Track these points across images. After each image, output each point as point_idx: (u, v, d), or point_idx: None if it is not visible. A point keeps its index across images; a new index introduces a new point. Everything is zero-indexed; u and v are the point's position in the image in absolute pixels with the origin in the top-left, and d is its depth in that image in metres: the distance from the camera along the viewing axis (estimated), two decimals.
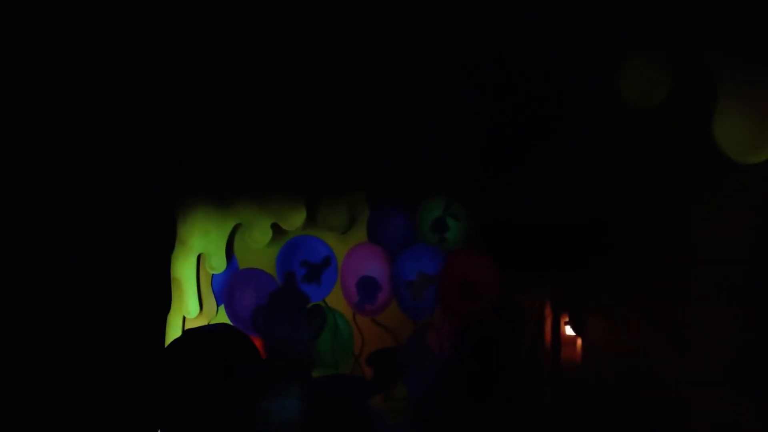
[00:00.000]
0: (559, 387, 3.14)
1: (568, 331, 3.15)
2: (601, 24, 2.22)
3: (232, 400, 1.37)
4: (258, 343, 3.15)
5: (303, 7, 2.39)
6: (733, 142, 2.15)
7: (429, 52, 2.35)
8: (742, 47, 2.09)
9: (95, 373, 2.60)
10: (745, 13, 2.06)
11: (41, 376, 2.52)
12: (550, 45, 2.28)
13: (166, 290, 3.09)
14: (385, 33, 2.35)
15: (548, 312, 3.18)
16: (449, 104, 2.57)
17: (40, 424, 2.49)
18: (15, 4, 2.48)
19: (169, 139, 2.88)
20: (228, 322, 3.32)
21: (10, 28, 2.51)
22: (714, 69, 2.11)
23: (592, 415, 2.94)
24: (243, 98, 2.94)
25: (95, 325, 2.63)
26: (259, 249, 3.41)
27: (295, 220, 3.34)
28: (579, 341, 3.14)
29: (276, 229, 3.37)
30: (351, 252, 3.38)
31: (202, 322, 3.32)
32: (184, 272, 3.28)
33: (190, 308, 3.28)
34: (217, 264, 3.32)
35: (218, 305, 3.43)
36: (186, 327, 3.27)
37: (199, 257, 3.32)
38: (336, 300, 3.39)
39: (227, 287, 3.37)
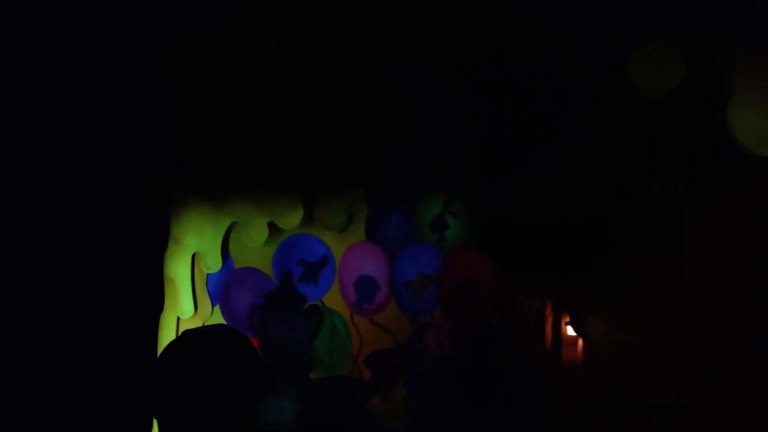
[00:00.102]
0: (560, 387, 3.23)
1: (569, 331, 3.25)
2: (601, 23, 2.30)
3: (232, 400, 1.40)
4: (255, 343, 3.21)
5: (302, 4, 2.46)
6: (749, 133, 2.17)
7: (429, 52, 2.43)
8: (757, 33, 2.12)
9: (84, 374, 2.62)
10: None
11: (30, 376, 2.55)
12: (550, 45, 2.36)
13: (158, 290, 3.10)
14: (385, 33, 2.42)
15: (549, 312, 3.27)
16: (449, 104, 2.64)
17: (31, 423, 2.53)
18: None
19: (164, 136, 2.91)
20: (223, 322, 3.37)
21: (3, 23, 2.56)
22: (729, 55, 2.14)
23: (593, 415, 3.04)
24: (239, 94, 2.98)
25: (84, 324, 2.66)
26: (256, 248, 3.45)
27: (292, 219, 3.38)
28: (580, 341, 3.23)
29: (272, 227, 3.41)
30: (349, 251, 3.44)
31: (197, 322, 3.36)
32: (179, 272, 3.32)
33: (184, 308, 3.33)
34: (213, 263, 3.36)
35: (213, 305, 3.47)
36: (180, 328, 3.32)
37: (193, 256, 3.36)
38: (333, 300, 3.45)
39: (223, 287, 3.42)
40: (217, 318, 3.47)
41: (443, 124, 2.71)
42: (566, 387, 3.23)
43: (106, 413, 2.66)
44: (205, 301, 3.44)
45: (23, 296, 2.60)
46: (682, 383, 2.65)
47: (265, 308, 3.32)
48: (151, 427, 2.85)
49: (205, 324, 3.36)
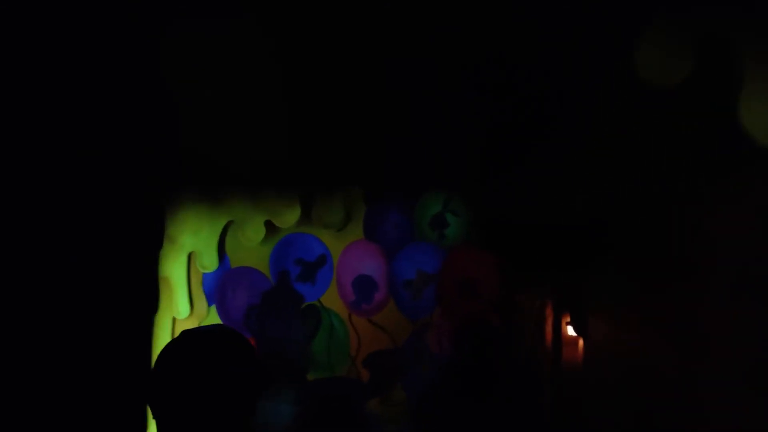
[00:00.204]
0: (560, 387, 3.32)
1: (570, 331, 3.34)
2: (602, 23, 2.39)
3: (232, 400, 1.44)
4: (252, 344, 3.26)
5: (301, 3, 2.54)
6: (760, 124, 2.21)
7: (429, 52, 2.51)
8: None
9: (76, 375, 2.75)
10: None
11: (20, 377, 2.68)
12: (550, 45, 2.45)
13: (153, 290, 3.20)
14: (385, 33, 2.50)
15: (549, 312, 3.35)
16: (449, 103, 2.73)
17: (22, 423, 2.67)
18: None
19: (160, 133, 3.00)
20: (220, 323, 3.40)
21: None
22: (740, 43, 2.19)
23: (593, 416, 3.14)
24: (236, 91, 3.06)
25: (77, 325, 2.79)
26: (252, 247, 3.52)
27: (289, 217, 3.45)
28: (580, 341, 3.32)
29: (269, 226, 3.48)
30: (347, 250, 3.49)
31: (192, 323, 3.40)
32: (174, 271, 3.38)
33: (180, 309, 3.39)
34: (209, 263, 3.43)
35: (209, 305, 3.54)
36: (176, 328, 3.38)
37: (189, 256, 3.42)
38: (331, 300, 3.51)
39: (219, 287, 3.48)
40: (213, 318, 3.53)
41: (443, 122, 2.79)
42: (567, 387, 3.32)
43: (98, 414, 2.76)
44: (200, 302, 3.50)
45: (12, 295, 2.70)
46: (683, 383, 2.73)
47: (262, 308, 3.37)
48: (145, 426, 2.95)
49: (202, 324, 3.48)
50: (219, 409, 1.42)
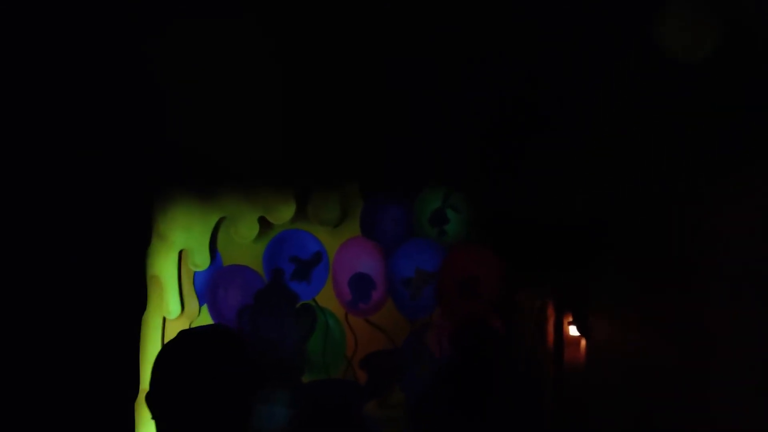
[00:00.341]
0: (562, 388, 3.45)
1: (572, 331, 3.48)
2: (602, 23, 2.54)
3: (232, 401, 1.51)
4: None
5: (300, 1, 2.68)
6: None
7: (429, 52, 2.65)
8: None
9: (62, 375, 2.89)
10: None
11: (6, 377, 2.83)
12: (550, 45, 2.59)
13: (140, 288, 3.33)
14: (385, 32, 2.64)
15: (551, 312, 3.49)
16: (449, 102, 2.86)
17: (10, 423, 2.81)
18: None
19: (149, 127, 3.12)
20: (211, 322, 3.50)
21: None
22: None
23: (596, 416, 3.29)
24: (229, 84, 3.16)
25: (62, 323, 2.92)
26: (245, 244, 3.58)
27: (283, 214, 3.51)
28: (582, 342, 3.46)
29: (263, 222, 3.54)
30: (343, 247, 3.57)
31: (183, 322, 3.51)
32: (165, 270, 3.46)
33: (171, 308, 3.47)
34: (201, 261, 3.50)
35: (201, 305, 3.61)
36: (167, 328, 3.48)
37: (180, 253, 3.50)
38: (327, 299, 3.57)
39: (211, 285, 3.54)
40: (205, 318, 3.58)
41: (442, 122, 2.91)
42: (569, 388, 3.42)
43: (85, 413, 2.88)
44: (192, 301, 3.57)
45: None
46: (684, 384, 2.86)
47: (255, 308, 3.42)
48: (132, 426, 3.12)
49: (192, 324, 3.53)
50: (219, 408, 1.50)
